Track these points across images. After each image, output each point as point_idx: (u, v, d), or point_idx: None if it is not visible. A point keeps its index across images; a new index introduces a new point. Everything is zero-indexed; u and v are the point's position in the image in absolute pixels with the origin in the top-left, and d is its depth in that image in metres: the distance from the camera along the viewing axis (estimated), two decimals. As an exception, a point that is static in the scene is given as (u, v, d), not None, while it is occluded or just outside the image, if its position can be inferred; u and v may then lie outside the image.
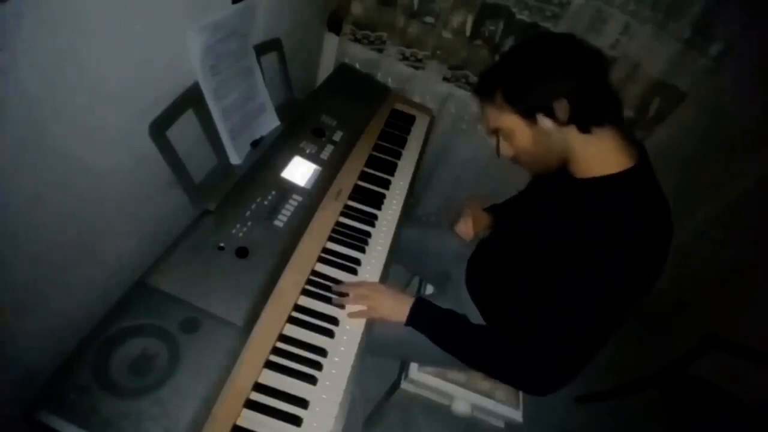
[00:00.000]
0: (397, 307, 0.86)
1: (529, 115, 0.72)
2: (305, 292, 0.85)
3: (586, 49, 0.72)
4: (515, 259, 0.90)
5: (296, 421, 0.69)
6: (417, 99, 1.56)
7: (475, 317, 0.97)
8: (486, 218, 1.18)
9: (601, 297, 0.68)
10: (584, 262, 0.69)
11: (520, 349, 0.75)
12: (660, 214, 0.70)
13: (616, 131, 0.73)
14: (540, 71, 0.71)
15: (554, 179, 0.80)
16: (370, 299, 0.86)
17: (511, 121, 0.74)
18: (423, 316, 0.86)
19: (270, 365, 0.74)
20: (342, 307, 0.86)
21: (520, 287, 0.88)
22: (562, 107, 0.69)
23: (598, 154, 0.72)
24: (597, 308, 0.69)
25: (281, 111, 1.05)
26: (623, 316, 0.70)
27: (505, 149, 0.80)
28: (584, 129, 0.71)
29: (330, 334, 0.82)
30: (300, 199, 0.93)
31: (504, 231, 1.04)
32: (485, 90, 0.77)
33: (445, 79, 1.53)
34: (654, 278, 0.69)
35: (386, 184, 1.15)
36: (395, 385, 1.11)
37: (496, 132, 0.79)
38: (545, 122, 0.71)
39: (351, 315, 0.85)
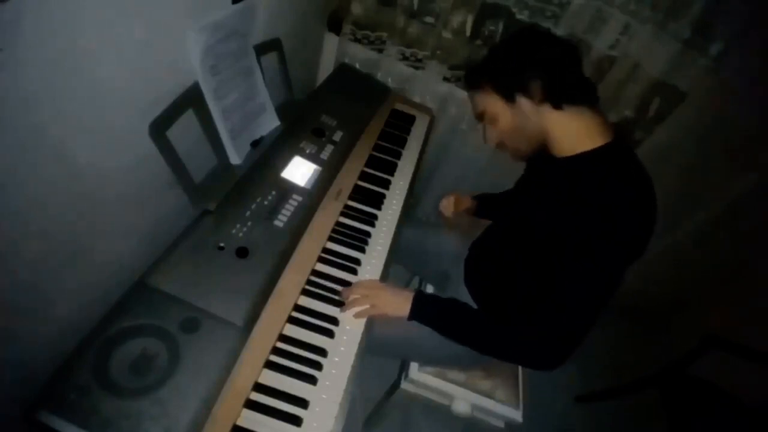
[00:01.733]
0: (398, 303, 0.87)
1: (508, 95, 0.79)
2: (305, 292, 0.85)
3: (560, 40, 0.81)
4: (512, 250, 0.91)
5: (296, 421, 0.69)
6: (417, 99, 1.56)
7: None
8: (468, 201, 1.23)
9: (597, 271, 0.72)
10: (578, 241, 0.72)
11: (522, 327, 0.78)
12: (641, 181, 0.73)
13: (591, 112, 0.78)
14: (517, 56, 0.79)
15: (540, 164, 0.86)
16: (371, 298, 0.86)
17: (493, 104, 0.82)
18: (425, 307, 0.87)
19: (270, 365, 0.74)
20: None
21: (519, 281, 0.89)
22: (536, 86, 0.76)
23: (574, 132, 0.78)
24: (594, 282, 0.72)
25: (281, 111, 1.05)
26: (616, 284, 0.73)
27: (491, 134, 0.88)
28: (557, 105, 0.77)
29: (330, 334, 0.82)
30: (300, 199, 0.93)
31: (500, 224, 1.06)
32: (473, 81, 0.86)
33: (445, 79, 1.53)
34: (644, 244, 0.72)
35: (386, 184, 1.15)
36: (395, 385, 1.11)
37: (482, 116, 0.87)
38: (523, 102, 0.78)
39: (355, 316, 0.85)
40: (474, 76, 0.86)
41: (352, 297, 0.86)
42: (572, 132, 0.78)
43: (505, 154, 0.91)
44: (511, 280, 0.91)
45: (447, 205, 1.23)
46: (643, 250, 0.72)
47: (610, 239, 0.70)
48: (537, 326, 0.76)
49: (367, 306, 0.86)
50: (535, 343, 0.77)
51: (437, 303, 0.88)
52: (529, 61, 0.77)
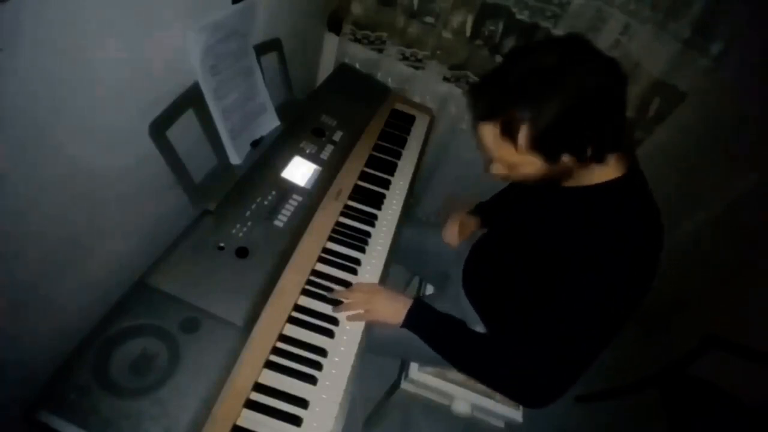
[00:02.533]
0: (393, 310, 0.86)
1: (553, 158, 0.65)
2: (305, 292, 0.85)
3: (615, 67, 0.62)
4: (510, 258, 0.89)
5: (296, 421, 0.69)
6: (417, 99, 1.56)
7: (472, 317, 0.96)
8: (473, 222, 1.17)
9: (600, 304, 0.67)
10: (584, 268, 0.68)
11: (517, 361, 0.73)
12: (654, 220, 0.70)
13: None
14: (576, 115, 0.60)
15: (545, 188, 0.78)
16: (367, 303, 0.85)
17: (526, 159, 0.66)
18: (420, 319, 0.85)
19: (270, 365, 0.74)
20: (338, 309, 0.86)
21: (516, 287, 0.87)
22: (590, 149, 0.64)
23: (596, 169, 0.71)
24: (596, 317, 0.68)
25: (281, 111, 1.05)
26: (620, 324, 0.68)
27: (501, 172, 0.73)
28: (602, 160, 0.67)
29: (330, 334, 0.82)
30: (300, 199, 0.93)
31: (497, 231, 1.04)
32: (504, 124, 0.63)
33: (445, 79, 1.53)
34: (649, 285, 0.68)
35: (386, 184, 1.14)
36: (395, 385, 1.11)
37: (496, 159, 0.71)
38: (567, 159, 0.65)
39: (349, 318, 0.85)
40: (505, 115, 0.62)
41: (348, 300, 0.86)
42: (594, 170, 0.71)
43: None
44: (508, 286, 0.90)
45: (452, 237, 1.14)
46: (648, 287, 0.67)
47: (619, 276, 0.65)
48: (530, 359, 0.71)
49: (362, 311, 0.85)
50: (527, 379, 0.72)
51: (432, 318, 0.85)
52: (592, 124, 0.61)
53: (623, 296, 0.67)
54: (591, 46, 0.64)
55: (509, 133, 0.63)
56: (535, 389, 0.72)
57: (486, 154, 0.71)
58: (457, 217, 1.17)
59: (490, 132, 0.66)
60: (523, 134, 0.62)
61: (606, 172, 0.71)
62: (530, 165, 0.67)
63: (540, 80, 0.60)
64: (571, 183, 0.74)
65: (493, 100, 0.64)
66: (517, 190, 1.01)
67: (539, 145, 0.63)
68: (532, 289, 0.80)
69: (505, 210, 1.08)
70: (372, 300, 0.86)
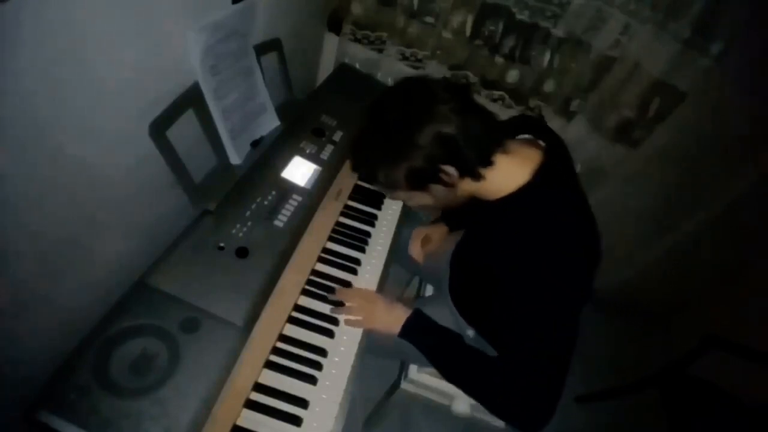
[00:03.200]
0: (390, 322, 0.85)
1: (421, 188, 0.72)
2: (305, 292, 0.86)
3: (450, 87, 0.69)
4: (467, 273, 0.90)
5: (296, 421, 0.69)
6: (417, 99, 1.56)
7: (463, 320, 0.96)
8: (438, 231, 1.16)
9: (549, 311, 0.66)
10: (519, 285, 0.68)
11: (507, 388, 0.70)
12: (575, 208, 0.71)
13: (504, 153, 0.71)
14: (405, 143, 0.66)
15: (472, 206, 0.79)
16: (365, 311, 0.85)
17: (406, 195, 0.75)
18: (416, 333, 0.84)
19: (270, 365, 0.74)
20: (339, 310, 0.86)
21: (483, 297, 0.85)
22: (447, 175, 0.68)
23: (498, 179, 0.71)
24: (552, 323, 0.67)
25: (281, 111, 1.05)
26: (567, 329, 0.68)
27: (413, 205, 0.81)
28: (477, 177, 0.70)
29: (330, 334, 0.82)
30: (300, 199, 0.93)
31: (458, 246, 0.99)
32: (368, 177, 0.76)
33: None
34: (586, 280, 0.69)
35: (386, 184, 1.14)
36: (395, 385, 1.11)
37: (396, 198, 0.80)
38: (438, 189, 0.71)
39: (347, 323, 0.85)
40: (368, 176, 0.75)
41: (348, 304, 0.86)
42: (494, 181, 0.71)
43: None
44: (477, 294, 0.88)
45: (416, 251, 1.14)
46: (586, 284, 0.69)
47: (540, 280, 0.66)
48: (517, 383, 0.68)
49: (359, 318, 0.85)
50: (516, 407, 0.69)
51: (428, 331, 0.84)
52: (431, 148, 0.66)
53: (567, 296, 0.67)
54: (426, 85, 0.70)
55: (381, 185, 0.75)
56: (527, 416, 0.69)
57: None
58: (421, 232, 1.16)
59: (378, 187, 0.79)
60: (383, 180, 0.72)
61: (510, 179, 0.71)
62: (417, 198, 0.75)
63: (382, 144, 0.69)
64: (487, 197, 0.74)
65: (358, 164, 0.77)
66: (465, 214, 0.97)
67: (391, 184, 0.72)
68: (490, 302, 0.79)
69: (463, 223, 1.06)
70: (370, 309, 0.85)
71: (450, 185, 0.70)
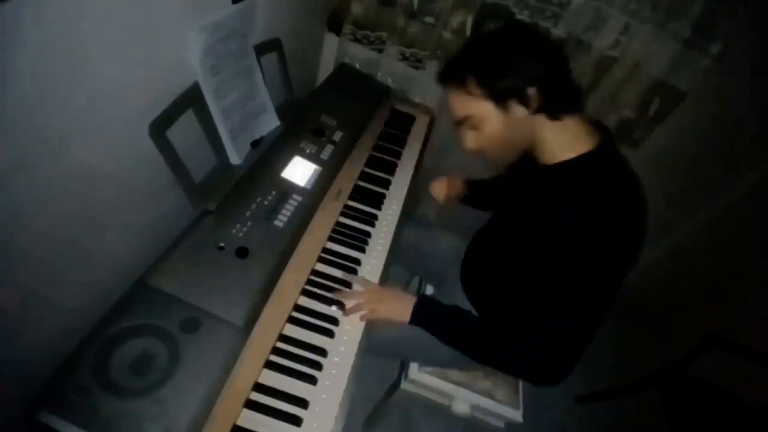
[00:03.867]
0: (399, 308, 0.86)
1: (501, 101, 0.72)
2: (305, 292, 0.86)
3: (550, 40, 0.75)
4: (500, 253, 0.91)
5: (296, 421, 0.69)
6: (417, 99, 1.56)
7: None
8: (459, 186, 1.21)
9: (587, 283, 0.70)
10: (564, 251, 0.70)
11: (523, 341, 0.76)
12: (628, 189, 0.72)
13: (579, 118, 0.76)
14: (512, 58, 0.71)
15: (524, 169, 0.82)
16: (372, 302, 0.86)
17: (482, 108, 0.74)
18: (426, 314, 0.86)
19: (270, 365, 0.74)
20: (344, 308, 0.86)
21: (510, 282, 0.88)
22: (534, 95, 0.71)
23: (564, 140, 0.75)
24: (585, 294, 0.70)
25: (281, 111, 1.05)
26: (612, 295, 0.72)
27: (471, 140, 0.79)
28: (554, 116, 0.73)
29: (330, 334, 0.82)
30: (300, 199, 0.93)
31: (489, 225, 1.05)
32: (455, 77, 0.76)
33: (445, 79, 1.53)
34: (635, 253, 0.71)
35: (386, 184, 1.15)
36: (395, 385, 1.11)
37: (464, 121, 0.78)
38: (517, 109, 0.72)
39: (353, 315, 0.85)
40: (457, 72, 0.76)
41: (353, 302, 0.86)
42: (560, 140, 0.75)
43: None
44: (502, 280, 0.91)
45: (439, 190, 1.20)
46: (635, 257, 0.71)
47: (596, 249, 0.68)
48: (534, 341, 0.74)
49: (367, 311, 0.85)
50: (534, 358, 0.75)
51: (439, 310, 0.87)
52: (524, 65, 0.70)
53: (607, 271, 0.70)
54: (537, 32, 0.76)
55: (463, 85, 0.74)
56: (544, 367, 0.75)
57: (455, 123, 0.80)
58: (447, 177, 1.22)
59: (452, 95, 0.78)
60: (471, 81, 0.73)
61: (573, 145, 0.74)
62: (489, 118, 0.74)
63: (485, 46, 0.75)
64: (541, 159, 0.77)
65: (450, 67, 0.78)
66: (506, 185, 1.02)
67: (484, 83, 0.72)
68: (523, 284, 0.81)
69: (494, 203, 1.11)
70: (377, 299, 0.86)
71: (529, 108, 0.71)
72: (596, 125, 0.78)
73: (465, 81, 0.74)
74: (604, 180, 0.71)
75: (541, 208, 0.77)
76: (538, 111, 0.72)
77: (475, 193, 1.21)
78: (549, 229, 0.73)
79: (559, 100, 0.72)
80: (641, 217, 0.72)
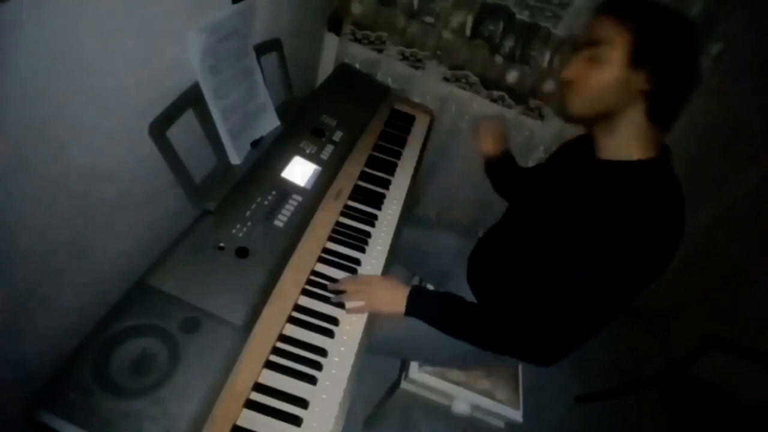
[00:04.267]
0: (393, 299, 0.85)
1: (637, 62, 0.69)
2: (305, 292, 0.85)
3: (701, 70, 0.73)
4: (525, 240, 0.90)
5: (296, 421, 0.69)
6: (417, 99, 1.56)
7: None
8: (500, 146, 1.15)
9: (603, 273, 0.70)
10: (594, 237, 0.71)
11: (521, 321, 0.78)
12: (676, 207, 0.72)
13: (659, 133, 0.76)
14: (681, 48, 0.70)
15: (576, 155, 0.83)
16: (366, 293, 0.85)
17: (614, 51, 0.70)
18: (422, 303, 0.85)
19: (270, 365, 0.74)
20: (342, 306, 0.85)
21: (526, 273, 0.87)
22: (661, 81, 0.69)
23: (633, 139, 0.74)
24: (597, 283, 0.71)
25: (281, 111, 1.05)
26: (625, 298, 0.72)
27: (573, 68, 0.75)
28: (652, 116, 0.72)
29: (330, 334, 0.82)
30: (300, 199, 0.93)
31: (514, 212, 1.04)
32: (624, 10, 0.72)
33: (445, 79, 1.53)
34: (661, 267, 0.71)
35: (386, 184, 1.15)
36: (395, 385, 1.11)
37: (586, 46, 0.75)
38: (638, 81, 0.70)
39: (349, 311, 0.85)
40: (631, 9, 0.72)
41: (348, 291, 0.85)
42: (632, 138, 0.75)
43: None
44: (517, 275, 0.90)
45: (489, 145, 1.15)
46: (659, 270, 0.71)
47: (627, 244, 0.68)
48: (535, 319, 0.76)
49: (362, 303, 0.85)
50: (533, 337, 0.76)
51: (434, 298, 0.87)
52: (684, 65, 0.70)
53: (626, 272, 0.70)
54: None
55: (623, 20, 0.70)
56: (538, 348, 0.77)
57: (574, 44, 0.78)
58: (494, 129, 1.16)
59: (602, 18, 0.73)
60: (634, 25, 0.70)
61: (637, 150, 0.74)
62: (610, 62, 0.71)
63: (673, 19, 0.71)
64: (601, 151, 0.77)
65: (629, 1, 0.73)
66: (548, 169, 1.00)
67: (641, 34, 0.69)
68: (541, 271, 0.81)
69: (528, 187, 1.06)
70: (371, 290, 0.85)
71: (647, 89, 0.70)
72: (660, 138, 0.78)
73: (629, 19, 0.70)
74: (658, 190, 0.71)
75: (589, 194, 0.77)
76: (648, 99, 0.71)
77: (509, 163, 1.16)
78: (589, 214, 0.73)
79: (669, 110, 0.73)
80: (677, 237, 0.71)
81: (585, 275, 0.72)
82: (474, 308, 0.87)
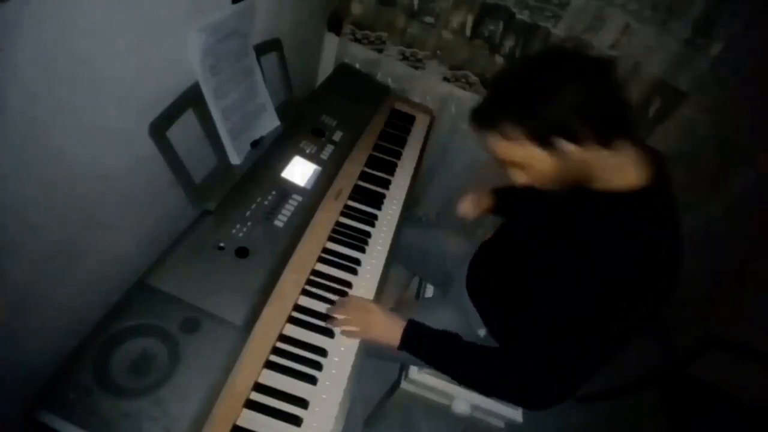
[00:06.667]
0: (389, 330, 0.84)
1: (544, 140, 0.65)
2: (305, 292, 0.85)
3: (594, 59, 0.66)
4: (514, 262, 0.89)
5: (296, 421, 0.69)
6: (417, 99, 1.56)
7: (474, 318, 0.96)
8: (487, 200, 1.14)
9: (590, 314, 0.67)
10: (578, 275, 0.68)
11: (512, 367, 0.75)
12: (668, 237, 0.67)
13: (630, 144, 0.69)
14: (545, 88, 0.63)
15: (565, 192, 0.77)
16: (361, 322, 0.83)
17: (526, 151, 0.66)
18: (416, 340, 0.83)
19: (270, 365, 0.74)
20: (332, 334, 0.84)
21: (518, 292, 0.87)
22: (581, 128, 0.63)
23: (617, 167, 0.68)
24: (587, 325, 0.68)
25: (281, 111, 1.05)
26: (620, 336, 0.69)
27: (521, 177, 0.73)
28: (605, 142, 0.64)
29: (330, 334, 0.82)
30: (300, 199, 0.93)
31: (506, 231, 1.03)
32: (487, 121, 0.68)
33: (445, 79, 1.53)
34: (655, 302, 0.68)
35: (386, 184, 1.14)
36: (395, 385, 1.11)
37: (507, 163, 0.72)
38: (564, 145, 0.64)
39: (344, 333, 0.83)
40: (489, 115, 0.68)
41: (342, 317, 0.83)
42: (616, 167, 0.68)
43: None
44: (510, 289, 0.89)
45: (468, 209, 1.12)
46: (652, 308, 0.68)
47: (614, 289, 0.65)
48: (524, 364, 0.73)
49: (357, 329, 0.83)
50: (523, 386, 0.74)
51: (428, 337, 0.84)
52: (562, 94, 0.62)
53: (616, 310, 0.66)
54: (575, 53, 0.68)
55: (498, 129, 0.67)
56: (532, 397, 0.74)
57: (501, 164, 0.73)
58: (472, 193, 1.15)
59: (491, 139, 0.69)
60: (506, 123, 0.66)
61: (627, 177, 0.68)
62: (535, 159, 0.67)
63: (514, 81, 0.68)
64: (594, 182, 0.71)
65: (480, 111, 0.70)
66: (533, 194, 0.99)
67: (521, 124, 0.65)
68: (532, 291, 0.80)
69: (518, 208, 1.06)
70: (366, 320, 0.83)
71: (577, 141, 0.63)
72: (650, 151, 0.73)
73: (499, 124, 0.66)
74: (650, 221, 0.67)
75: (574, 228, 0.73)
76: (588, 142, 0.64)
77: (505, 203, 1.14)
78: (575, 249, 0.70)
79: (609, 126, 0.64)
80: (674, 268, 0.67)
81: (572, 317, 0.68)
82: (467, 353, 0.81)
